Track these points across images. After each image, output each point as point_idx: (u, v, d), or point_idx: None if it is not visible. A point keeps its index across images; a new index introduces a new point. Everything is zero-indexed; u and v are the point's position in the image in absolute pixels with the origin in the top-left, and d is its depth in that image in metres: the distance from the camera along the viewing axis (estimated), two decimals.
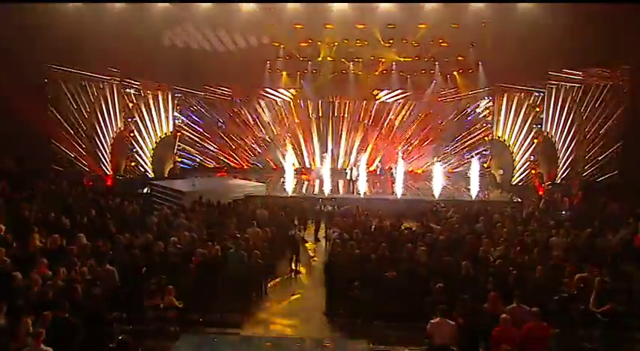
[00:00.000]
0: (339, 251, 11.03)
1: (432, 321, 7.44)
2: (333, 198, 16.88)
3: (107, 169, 21.44)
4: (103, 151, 21.48)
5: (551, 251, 10.98)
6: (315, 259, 13.63)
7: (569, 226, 12.86)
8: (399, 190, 18.47)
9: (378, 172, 19.53)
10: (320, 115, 23.56)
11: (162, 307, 8.70)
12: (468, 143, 22.96)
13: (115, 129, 21.55)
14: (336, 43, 21.07)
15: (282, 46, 21.51)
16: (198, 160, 24.49)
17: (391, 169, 19.94)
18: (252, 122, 23.98)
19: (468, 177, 19.09)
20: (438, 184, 18.40)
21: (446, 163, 22.48)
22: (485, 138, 22.63)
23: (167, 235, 11.70)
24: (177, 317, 8.74)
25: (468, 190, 18.78)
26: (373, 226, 13.62)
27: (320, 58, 21.85)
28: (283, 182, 19.55)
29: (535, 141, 20.54)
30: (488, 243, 11.26)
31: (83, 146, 21.14)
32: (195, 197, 16.05)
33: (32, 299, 7.66)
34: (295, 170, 20.28)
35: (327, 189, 18.72)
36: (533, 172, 20.56)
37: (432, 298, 8.40)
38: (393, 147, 22.06)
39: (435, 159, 21.03)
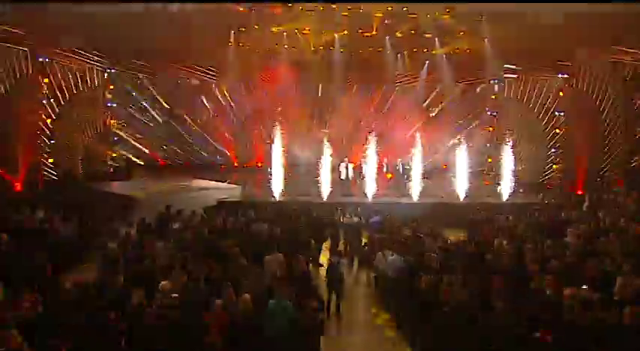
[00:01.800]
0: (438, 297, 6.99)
1: None
2: (358, 205, 12.72)
3: (13, 170, 15.58)
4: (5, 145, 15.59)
5: None
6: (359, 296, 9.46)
7: None
8: (415, 191, 14.82)
9: (385, 169, 15.79)
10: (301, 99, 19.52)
11: None
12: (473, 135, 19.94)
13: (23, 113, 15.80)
14: (321, 8, 16.77)
15: (253, 9, 16.73)
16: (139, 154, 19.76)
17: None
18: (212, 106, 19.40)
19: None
20: (461, 183, 14.97)
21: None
22: (489, 129, 19.71)
23: (143, 273, 7.16)
24: None
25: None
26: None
27: (298, 29, 17.51)
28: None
29: (557, 131, 17.76)
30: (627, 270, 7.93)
31: None
32: (156, 206, 11.74)
33: None
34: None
35: (325, 191, 14.68)
36: (555, 166, 17.77)
37: None
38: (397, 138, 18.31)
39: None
